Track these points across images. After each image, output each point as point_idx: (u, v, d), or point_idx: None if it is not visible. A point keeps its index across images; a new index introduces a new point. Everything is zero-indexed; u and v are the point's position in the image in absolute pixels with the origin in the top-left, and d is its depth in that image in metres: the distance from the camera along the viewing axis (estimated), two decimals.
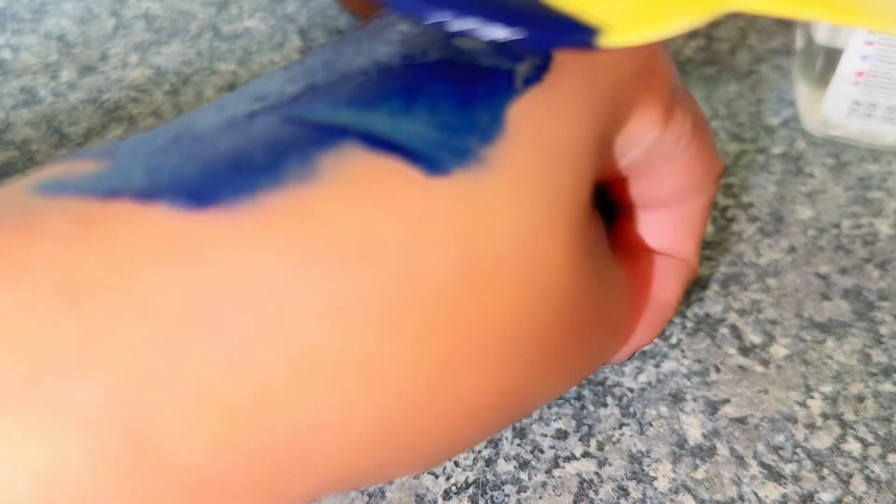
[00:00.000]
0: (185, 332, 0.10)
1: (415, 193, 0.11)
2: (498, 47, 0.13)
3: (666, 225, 0.17)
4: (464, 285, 0.11)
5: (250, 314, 0.10)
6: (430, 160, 0.11)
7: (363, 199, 0.11)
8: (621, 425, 0.18)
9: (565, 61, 0.13)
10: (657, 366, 0.20)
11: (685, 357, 0.20)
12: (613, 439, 0.18)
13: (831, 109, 0.24)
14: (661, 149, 0.15)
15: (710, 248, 0.22)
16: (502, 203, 0.11)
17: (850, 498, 0.17)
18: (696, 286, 0.21)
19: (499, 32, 0.11)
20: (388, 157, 0.11)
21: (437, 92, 0.12)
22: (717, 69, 0.29)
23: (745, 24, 0.31)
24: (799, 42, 0.27)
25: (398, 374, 0.11)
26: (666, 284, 0.17)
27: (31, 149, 0.27)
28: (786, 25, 0.30)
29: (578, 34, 0.11)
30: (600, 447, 0.18)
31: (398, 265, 0.11)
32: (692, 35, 0.31)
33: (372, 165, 0.11)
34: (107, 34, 0.32)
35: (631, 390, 0.19)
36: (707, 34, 0.31)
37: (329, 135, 0.11)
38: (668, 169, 0.16)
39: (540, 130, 0.12)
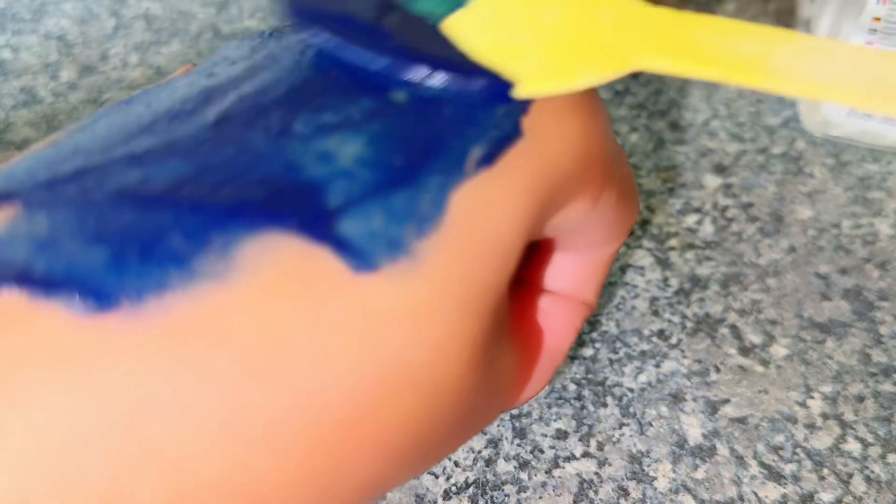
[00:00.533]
0: (61, 457, 0.09)
1: (335, 293, 0.10)
2: (455, 118, 0.12)
3: (574, 269, 0.17)
4: (364, 399, 0.10)
5: (135, 437, 0.09)
6: (360, 253, 0.10)
7: (278, 302, 0.10)
8: (621, 425, 0.18)
9: (517, 147, 0.12)
10: (657, 366, 0.20)
11: (685, 357, 0.20)
12: (613, 439, 0.18)
13: (831, 109, 0.24)
14: (586, 220, 0.15)
15: (710, 248, 0.22)
16: (421, 306, 0.11)
17: (850, 498, 0.17)
18: (696, 286, 0.21)
19: (431, 79, 0.12)
20: (318, 247, 0.10)
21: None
22: None
23: None
24: None
25: (283, 498, 0.10)
26: (564, 334, 0.17)
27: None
28: (786, 25, 0.30)
29: (497, 85, 0.12)
30: (600, 447, 0.18)
31: (301, 381, 0.10)
32: None
33: (297, 258, 0.10)
34: (107, 34, 0.32)
35: (631, 390, 0.19)
36: None
37: (255, 218, 0.10)
38: (586, 228, 0.15)
39: (476, 222, 0.11)
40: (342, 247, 0.10)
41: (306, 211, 0.10)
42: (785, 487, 0.17)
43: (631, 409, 0.19)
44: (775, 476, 0.17)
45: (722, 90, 0.28)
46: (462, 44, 0.13)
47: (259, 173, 0.11)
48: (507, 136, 0.12)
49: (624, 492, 0.17)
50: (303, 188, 0.11)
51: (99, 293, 0.10)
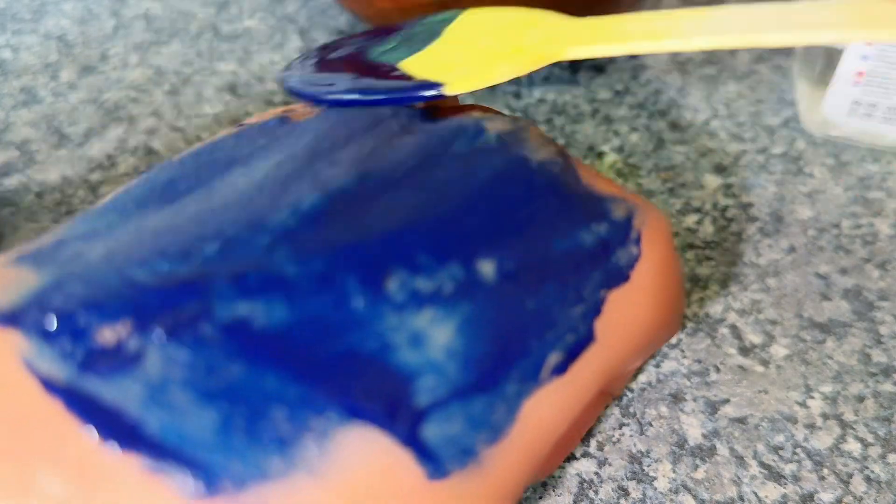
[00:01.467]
0: None
1: (410, 496, 0.11)
2: (538, 313, 0.12)
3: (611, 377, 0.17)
4: None
5: None
6: (437, 460, 0.11)
7: (362, 501, 0.10)
8: (621, 425, 0.18)
9: (589, 351, 0.12)
10: (657, 366, 0.20)
11: (685, 357, 0.20)
12: (613, 439, 0.18)
13: (831, 109, 0.24)
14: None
15: (710, 248, 0.22)
16: (476, 502, 0.11)
17: (850, 498, 0.17)
18: (696, 286, 0.21)
19: (373, 98, 0.15)
20: (403, 450, 0.11)
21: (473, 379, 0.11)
22: (717, 69, 0.29)
23: None
24: None
25: None
26: (585, 425, 0.17)
27: (31, 149, 0.27)
28: None
29: (430, 88, 0.15)
30: (600, 447, 0.18)
31: None
32: None
33: (384, 458, 0.10)
34: (107, 34, 0.32)
35: (631, 390, 0.19)
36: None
37: (352, 407, 0.10)
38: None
39: (542, 427, 0.12)
40: (423, 453, 0.11)
41: (398, 408, 0.11)
42: (785, 487, 0.17)
43: (631, 409, 0.19)
44: (775, 476, 0.17)
45: (722, 90, 0.28)
46: (413, 74, 0.16)
47: (353, 339, 0.11)
48: (582, 342, 0.12)
49: (624, 492, 0.17)
50: (395, 378, 0.11)
51: (209, 475, 0.10)
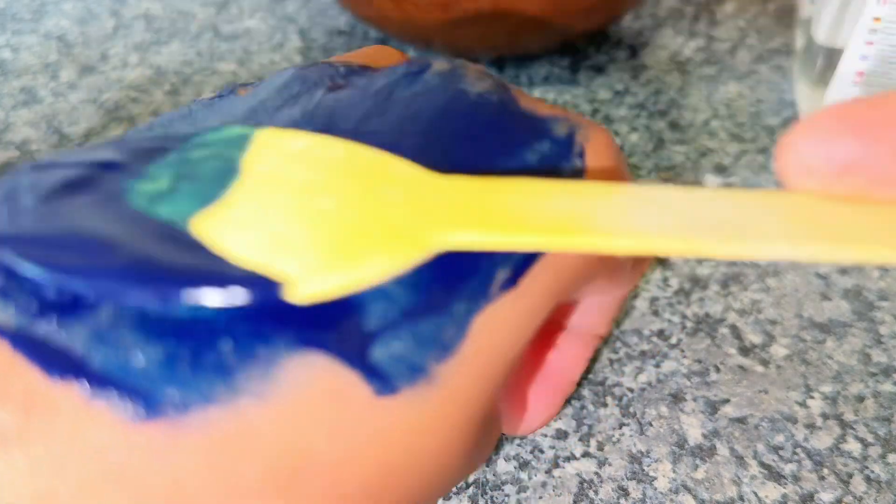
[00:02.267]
0: None
1: (358, 414, 0.11)
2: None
3: (589, 310, 0.17)
4: (370, 499, 0.11)
5: None
6: (385, 379, 0.11)
7: (308, 421, 0.10)
8: (621, 425, 0.18)
9: (539, 263, 0.12)
10: (657, 366, 0.20)
11: (685, 357, 0.20)
12: (613, 439, 0.18)
13: None
14: (604, 287, 0.15)
15: None
16: (431, 423, 0.11)
17: (850, 498, 0.17)
18: (696, 286, 0.21)
19: (190, 297, 0.10)
20: (350, 371, 0.11)
21: (421, 291, 0.11)
22: (717, 69, 0.29)
23: (745, 24, 0.31)
24: (799, 42, 0.27)
25: None
26: (576, 366, 0.17)
27: (31, 149, 0.27)
28: (786, 25, 0.30)
29: (264, 287, 0.10)
30: (600, 447, 0.18)
31: (318, 490, 0.11)
32: (692, 35, 0.31)
33: (330, 380, 0.11)
34: (107, 34, 0.32)
35: (631, 390, 0.19)
36: (707, 34, 0.31)
37: (301, 335, 0.11)
38: (600, 285, 0.16)
39: (493, 343, 0.12)
40: (371, 373, 0.11)
41: (347, 334, 0.11)
42: (785, 487, 0.17)
43: (631, 409, 0.19)
44: (775, 476, 0.17)
45: (722, 90, 0.28)
46: (218, 246, 0.10)
47: None
48: (531, 255, 0.12)
49: (624, 492, 0.17)
50: (343, 306, 0.11)
51: (149, 400, 0.10)
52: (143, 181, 0.11)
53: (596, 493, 0.17)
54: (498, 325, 0.12)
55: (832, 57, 0.23)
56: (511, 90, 0.14)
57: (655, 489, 0.17)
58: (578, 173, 0.13)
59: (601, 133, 0.15)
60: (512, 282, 0.12)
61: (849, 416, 0.18)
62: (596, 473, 0.18)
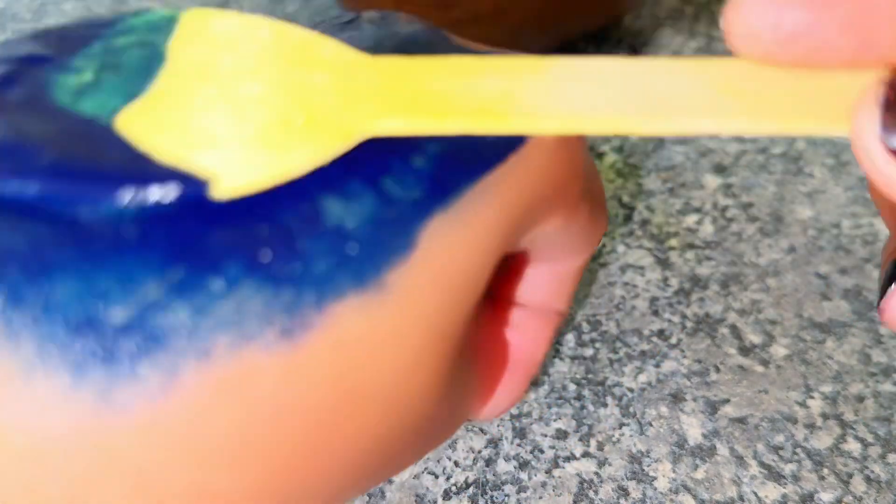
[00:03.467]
0: (28, 463, 0.10)
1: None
2: (425, 146, 0.12)
3: (545, 281, 0.17)
4: (329, 416, 0.11)
5: (99, 448, 0.10)
6: (331, 283, 0.11)
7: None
8: (621, 425, 0.18)
9: (492, 176, 0.12)
10: (657, 366, 0.20)
11: (685, 357, 0.20)
12: (613, 439, 0.18)
13: None
14: (560, 234, 0.15)
15: (710, 248, 0.22)
16: (387, 334, 0.11)
17: (850, 498, 0.17)
18: (696, 286, 0.21)
19: (111, 197, 0.10)
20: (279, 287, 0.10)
21: (363, 194, 0.11)
22: None
23: None
24: None
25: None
26: (537, 345, 0.17)
27: None
28: None
29: (187, 184, 0.10)
30: (600, 447, 0.18)
31: (267, 402, 0.10)
32: (692, 35, 0.31)
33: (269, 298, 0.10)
34: None
35: (631, 390, 0.19)
36: (707, 34, 0.31)
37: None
38: (559, 241, 0.15)
39: (446, 255, 0.12)
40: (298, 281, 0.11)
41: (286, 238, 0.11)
42: (785, 487, 0.17)
43: (631, 409, 0.19)
44: (775, 476, 0.17)
45: None
46: (143, 143, 0.10)
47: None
48: (477, 166, 0.12)
49: (624, 492, 0.17)
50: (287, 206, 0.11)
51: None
52: (68, 74, 0.11)
53: (596, 493, 0.17)
54: (450, 235, 0.12)
55: None
56: (444, 32, 0.14)
57: (655, 489, 0.17)
58: None
59: None
60: (458, 193, 0.12)
61: (849, 416, 0.18)
62: (596, 473, 0.18)
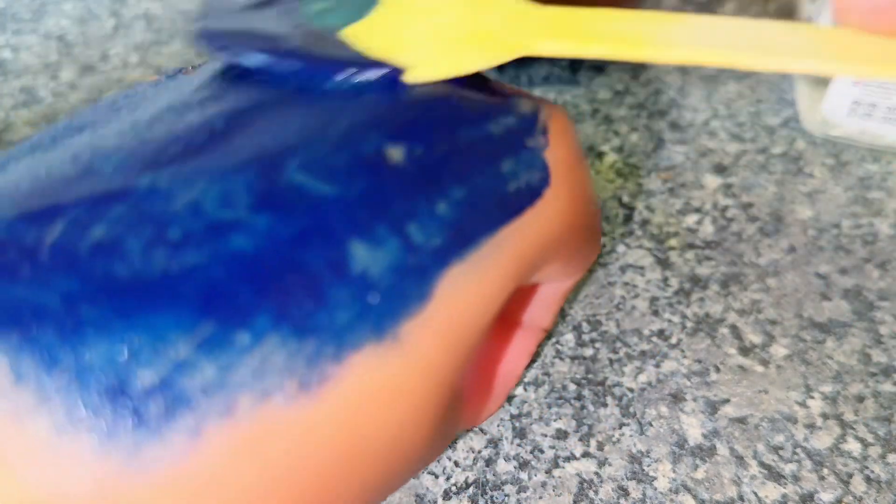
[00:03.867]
0: None
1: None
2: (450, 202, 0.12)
3: (536, 303, 0.17)
4: (338, 471, 0.11)
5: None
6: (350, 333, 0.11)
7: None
8: (621, 425, 0.18)
9: (507, 228, 0.12)
10: (657, 366, 0.20)
11: (685, 357, 0.20)
12: (613, 439, 0.18)
13: (831, 109, 0.24)
14: (559, 269, 0.15)
15: (710, 248, 0.22)
16: (397, 385, 0.11)
17: (850, 498, 0.17)
18: (696, 286, 0.21)
19: (336, 73, 0.13)
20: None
21: (382, 241, 0.11)
22: (717, 69, 0.29)
23: None
24: None
25: None
26: (521, 360, 0.17)
27: None
28: None
29: (386, 69, 0.13)
30: (600, 447, 0.18)
31: (288, 458, 0.10)
32: None
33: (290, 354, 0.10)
34: (107, 34, 0.32)
35: (631, 390, 0.19)
36: None
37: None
38: (556, 271, 0.16)
39: (458, 305, 0.12)
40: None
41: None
42: (785, 487, 0.17)
43: (631, 409, 0.19)
44: (775, 476, 0.17)
45: (722, 90, 0.28)
46: (359, 46, 0.14)
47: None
48: (494, 219, 0.12)
49: (624, 492, 0.17)
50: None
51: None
52: (314, 1, 0.15)
53: (596, 493, 0.17)
54: (464, 287, 0.12)
55: None
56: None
57: (655, 489, 0.17)
58: (541, 150, 0.14)
59: (562, 114, 0.15)
60: (475, 244, 0.12)
61: (849, 416, 0.18)
62: (596, 473, 0.18)
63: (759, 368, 0.19)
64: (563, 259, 0.15)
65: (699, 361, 0.20)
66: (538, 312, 0.17)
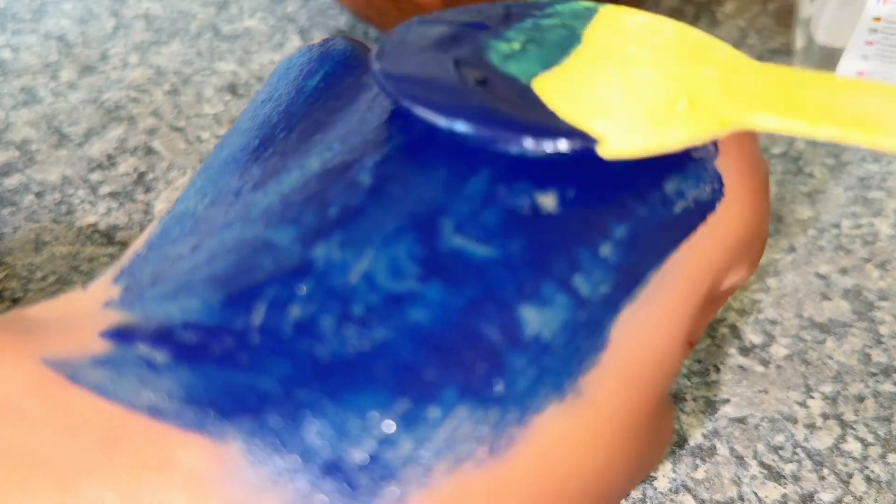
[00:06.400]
0: None
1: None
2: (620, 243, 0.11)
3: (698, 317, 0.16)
4: None
5: None
6: (522, 403, 0.11)
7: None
8: None
9: (676, 254, 0.12)
10: None
11: (685, 357, 0.20)
12: None
13: None
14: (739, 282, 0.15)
15: None
16: (586, 436, 0.11)
17: (850, 498, 0.17)
18: None
19: (522, 142, 0.11)
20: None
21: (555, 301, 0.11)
22: None
23: (745, 24, 0.31)
24: (799, 42, 0.27)
25: None
26: (674, 376, 0.17)
27: (31, 149, 0.27)
28: (786, 25, 0.30)
29: (583, 141, 0.11)
30: None
31: None
32: None
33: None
34: (107, 34, 0.32)
35: None
36: (707, 34, 0.31)
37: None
38: (734, 280, 0.15)
39: (637, 345, 0.11)
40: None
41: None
42: (785, 487, 0.17)
43: None
44: (775, 476, 0.17)
45: None
46: (551, 104, 0.12)
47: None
48: (666, 248, 0.12)
49: None
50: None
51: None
52: (501, 41, 0.13)
53: None
54: (638, 327, 0.11)
55: (832, 57, 0.23)
56: None
57: (655, 489, 0.17)
58: (710, 160, 0.13)
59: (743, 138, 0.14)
60: (645, 283, 0.11)
61: (849, 416, 0.18)
62: None
63: (759, 368, 0.19)
64: (744, 269, 0.14)
65: (699, 361, 0.20)
66: (695, 327, 0.17)
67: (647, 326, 0.11)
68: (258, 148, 0.14)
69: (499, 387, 0.10)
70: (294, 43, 0.31)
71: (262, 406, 0.10)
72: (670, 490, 0.17)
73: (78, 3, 0.34)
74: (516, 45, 0.13)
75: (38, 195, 0.25)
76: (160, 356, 0.10)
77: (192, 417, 0.10)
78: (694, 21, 0.31)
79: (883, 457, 0.17)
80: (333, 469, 0.10)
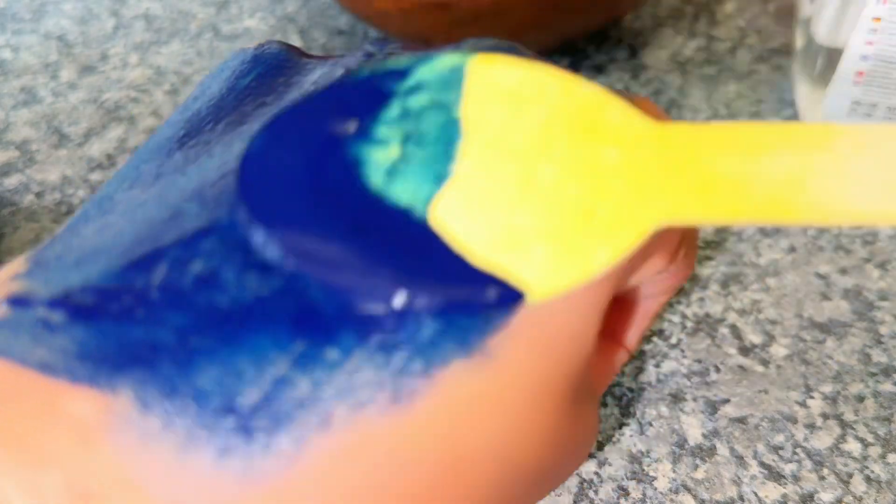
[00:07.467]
0: None
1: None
2: None
3: (625, 318, 0.17)
4: (439, 482, 0.11)
5: None
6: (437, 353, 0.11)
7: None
8: (621, 425, 0.18)
9: None
10: (657, 366, 0.20)
11: (685, 357, 0.20)
12: (613, 439, 0.18)
13: (831, 109, 0.24)
14: (655, 278, 0.15)
15: (710, 248, 0.22)
16: (495, 398, 0.11)
17: (850, 498, 0.17)
18: (696, 286, 0.21)
19: (432, 297, 0.11)
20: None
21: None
22: (717, 69, 0.29)
23: (745, 24, 0.31)
24: (799, 42, 0.27)
25: None
26: (605, 379, 0.17)
27: (31, 149, 0.27)
28: (786, 25, 0.30)
29: (509, 293, 0.11)
30: (600, 447, 0.18)
31: (386, 467, 0.11)
32: (692, 35, 0.31)
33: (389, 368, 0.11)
34: (107, 34, 0.32)
35: (631, 390, 0.19)
36: (707, 34, 0.31)
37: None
38: (651, 283, 0.16)
39: (548, 314, 0.12)
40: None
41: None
42: (785, 487, 0.17)
43: (631, 409, 0.19)
44: (775, 476, 0.17)
45: (722, 90, 0.28)
46: (457, 241, 0.11)
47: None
48: None
49: (624, 492, 0.17)
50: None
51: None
52: (375, 148, 0.12)
53: (596, 493, 0.17)
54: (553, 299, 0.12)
55: (832, 57, 0.23)
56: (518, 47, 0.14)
57: (655, 489, 0.17)
58: None
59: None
60: None
61: (849, 416, 0.18)
62: (596, 473, 0.18)
63: (759, 368, 0.19)
64: (662, 261, 0.14)
65: (699, 361, 0.20)
66: (626, 331, 0.17)
67: (557, 301, 0.12)
68: (183, 137, 0.14)
69: (401, 334, 0.11)
70: (294, 43, 0.31)
71: (155, 355, 0.10)
72: (670, 490, 0.17)
73: (78, 3, 0.34)
74: (394, 151, 0.12)
75: (38, 195, 0.25)
76: (56, 316, 0.11)
77: (83, 371, 0.10)
78: (694, 21, 0.31)
79: (883, 457, 0.17)
80: (226, 411, 0.10)
